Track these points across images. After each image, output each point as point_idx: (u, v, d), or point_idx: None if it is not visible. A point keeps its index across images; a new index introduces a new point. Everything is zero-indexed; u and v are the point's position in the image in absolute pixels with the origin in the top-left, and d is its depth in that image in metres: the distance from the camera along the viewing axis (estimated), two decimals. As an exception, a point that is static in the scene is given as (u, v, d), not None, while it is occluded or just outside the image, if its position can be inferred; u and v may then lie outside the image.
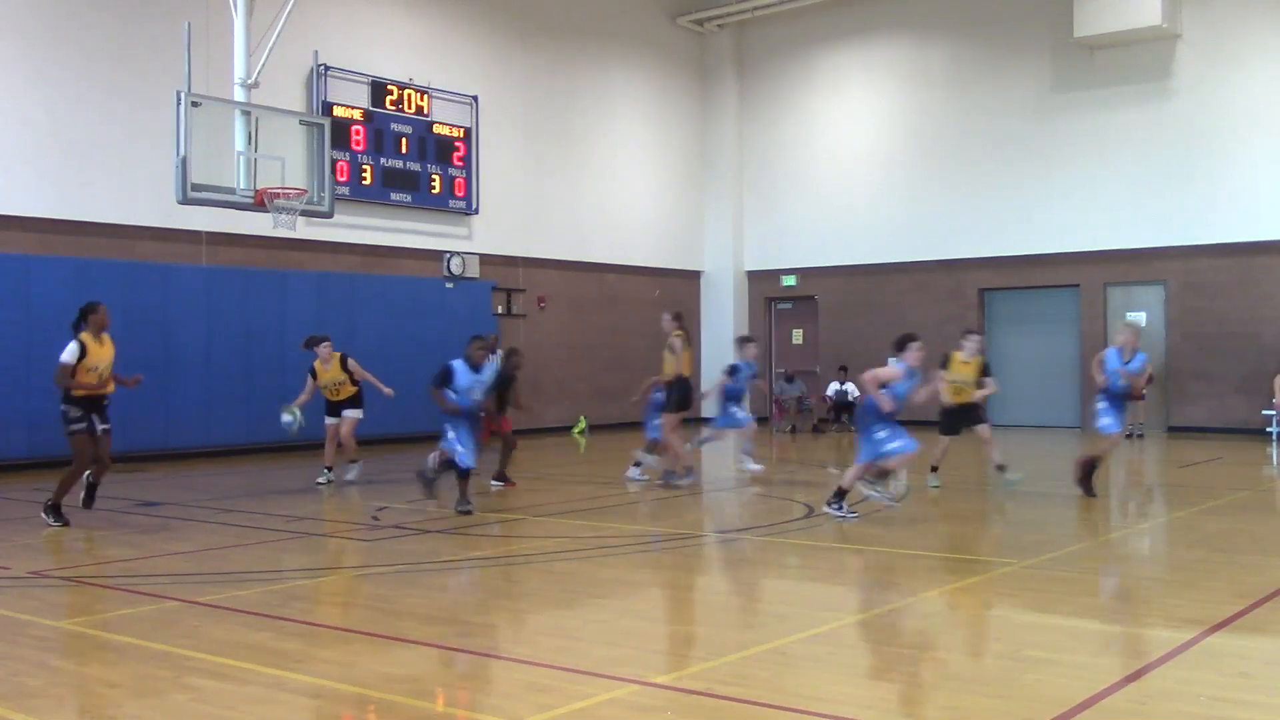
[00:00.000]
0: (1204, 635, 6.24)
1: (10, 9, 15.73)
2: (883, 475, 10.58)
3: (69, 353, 10.32)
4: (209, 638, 6.33)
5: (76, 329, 10.42)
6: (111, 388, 10.67)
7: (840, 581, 8.33)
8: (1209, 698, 5.21)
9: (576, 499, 12.61)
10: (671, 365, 13.22)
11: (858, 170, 24.42)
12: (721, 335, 25.87)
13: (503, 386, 13.10)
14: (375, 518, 11.07)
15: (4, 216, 15.62)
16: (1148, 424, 20.34)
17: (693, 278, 26.03)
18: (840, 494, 10.43)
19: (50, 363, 10.59)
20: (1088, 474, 11.89)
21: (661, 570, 8.74)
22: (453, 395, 11.07)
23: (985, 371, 12.83)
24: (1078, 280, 21.97)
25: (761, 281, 25.89)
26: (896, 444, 10.19)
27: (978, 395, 12.67)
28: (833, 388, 22.90)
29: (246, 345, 17.74)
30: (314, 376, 13.65)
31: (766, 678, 5.61)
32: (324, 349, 13.47)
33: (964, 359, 12.66)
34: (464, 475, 11.12)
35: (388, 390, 13.71)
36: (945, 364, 12.65)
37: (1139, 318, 21.65)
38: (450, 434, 11.10)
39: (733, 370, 14.61)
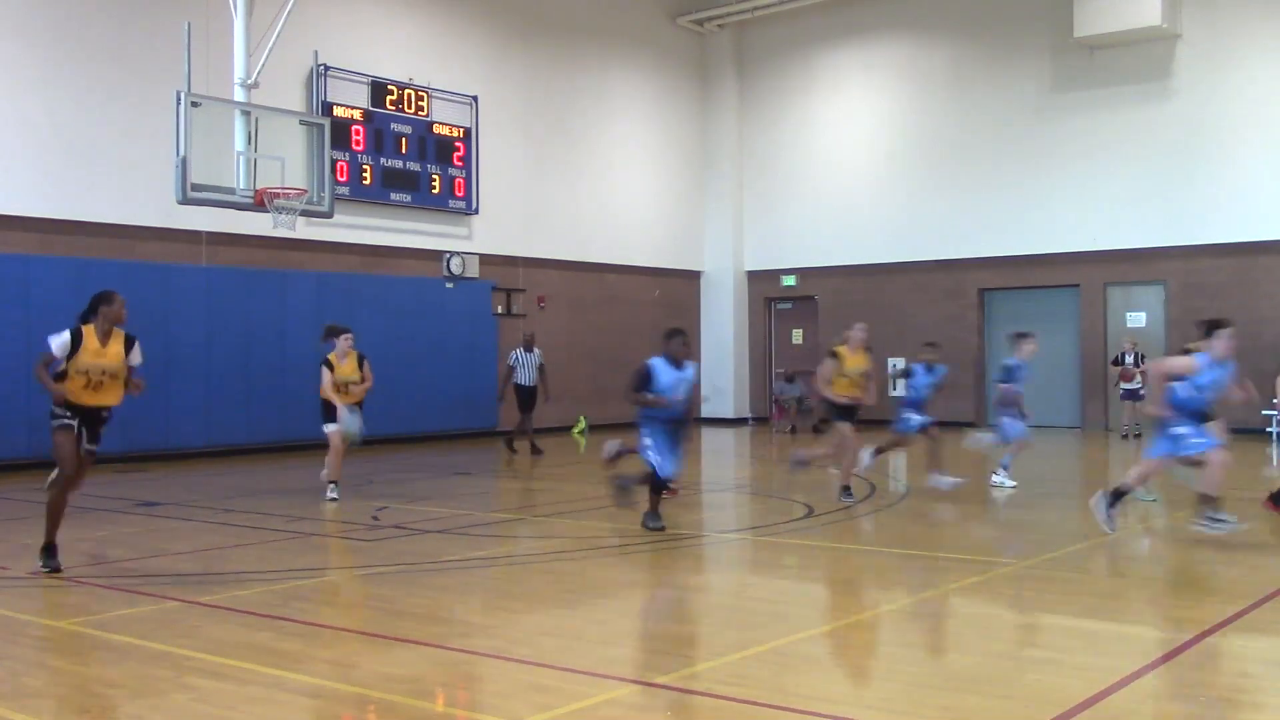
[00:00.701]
0: (1204, 635, 6.25)
1: (10, 9, 15.73)
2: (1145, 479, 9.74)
3: (58, 343, 8.16)
4: (209, 638, 6.33)
5: (84, 322, 8.31)
6: (110, 399, 8.40)
7: (840, 581, 8.33)
8: (1209, 698, 5.21)
9: (576, 499, 12.60)
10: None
11: (858, 170, 24.43)
12: (722, 336, 25.94)
13: None
14: (375, 518, 11.06)
15: (4, 216, 15.62)
16: (1146, 424, 20.32)
17: (693, 278, 26.03)
18: (1210, 504, 9.20)
19: (49, 363, 9.85)
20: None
21: (661, 570, 8.74)
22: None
23: None
24: (1078, 280, 21.99)
25: (761, 281, 25.89)
26: (1198, 440, 9.10)
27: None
28: (833, 388, 22.87)
29: (246, 345, 17.75)
30: (330, 370, 12.23)
31: (766, 678, 5.61)
32: (344, 341, 12.23)
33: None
34: (659, 487, 9.99)
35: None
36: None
37: (1138, 317, 21.68)
38: (647, 440, 9.80)
39: (1010, 371, 12.77)
